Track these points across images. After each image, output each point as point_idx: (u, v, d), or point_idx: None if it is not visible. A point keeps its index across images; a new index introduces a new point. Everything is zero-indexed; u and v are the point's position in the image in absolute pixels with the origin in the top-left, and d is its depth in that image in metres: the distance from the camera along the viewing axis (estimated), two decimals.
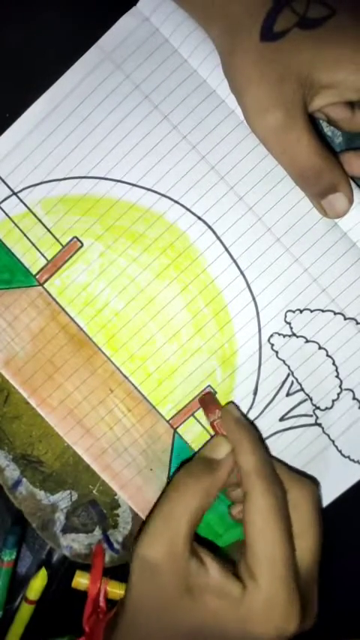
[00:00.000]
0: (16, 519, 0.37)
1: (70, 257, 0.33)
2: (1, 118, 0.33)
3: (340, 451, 0.35)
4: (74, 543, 0.36)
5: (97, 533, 0.36)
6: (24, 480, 0.35)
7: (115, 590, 0.36)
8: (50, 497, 0.35)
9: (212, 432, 0.34)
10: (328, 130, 0.34)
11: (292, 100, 0.28)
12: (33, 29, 0.35)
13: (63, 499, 0.35)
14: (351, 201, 0.31)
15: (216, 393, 0.34)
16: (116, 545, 0.36)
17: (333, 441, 0.35)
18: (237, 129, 0.32)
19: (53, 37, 0.35)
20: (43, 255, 0.33)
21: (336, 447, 0.35)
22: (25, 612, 0.36)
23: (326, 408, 0.34)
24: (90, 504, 0.35)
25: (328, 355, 0.34)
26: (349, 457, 0.35)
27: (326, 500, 0.35)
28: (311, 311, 0.34)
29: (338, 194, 0.30)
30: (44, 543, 0.37)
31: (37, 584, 0.36)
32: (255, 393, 0.34)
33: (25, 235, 0.33)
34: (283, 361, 0.34)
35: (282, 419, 0.34)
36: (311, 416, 0.34)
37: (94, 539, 0.36)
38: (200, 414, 0.34)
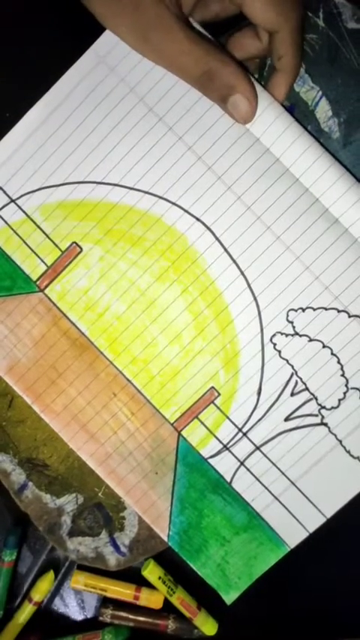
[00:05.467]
0: (16, 520, 0.37)
1: (70, 262, 0.33)
2: (2, 119, 0.33)
3: (348, 452, 0.34)
4: (81, 547, 0.36)
5: (104, 536, 0.36)
6: (30, 483, 0.35)
7: (119, 588, 0.36)
8: (56, 501, 0.35)
9: (216, 434, 0.34)
10: (325, 126, 0.33)
11: (159, 17, 0.28)
12: (32, 30, 0.35)
13: (69, 502, 0.35)
14: (251, 101, 0.30)
15: (219, 394, 0.34)
16: (123, 549, 0.36)
17: (340, 441, 0.34)
18: (233, 128, 0.32)
19: (52, 37, 0.35)
20: (42, 261, 0.33)
21: (344, 447, 0.34)
22: (26, 612, 0.36)
23: (332, 408, 0.34)
24: (96, 507, 0.36)
25: (332, 354, 0.34)
26: (358, 458, 0.34)
27: (337, 505, 0.34)
28: (314, 309, 0.33)
29: (237, 96, 0.30)
30: (45, 543, 0.37)
31: (44, 586, 0.37)
32: (259, 394, 0.34)
33: (24, 242, 0.33)
34: (287, 361, 0.34)
35: (287, 419, 0.34)
36: (317, 415, 0.34)
37: (101, 543, 0.36)
38: (204, 415, 0.34)
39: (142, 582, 0.36)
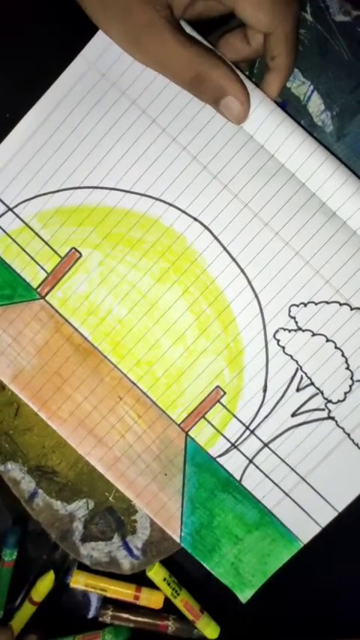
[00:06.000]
0: (16, 520, 0.37)
1: (70, 268, 0.33)
2: (2, 120, 0.33)
3: (356, 444, 0.34)
4: (94, 552, 0.36)
5: (117, 540, 0.36)
6: (40, 491, 0.35)
7: (119, 588, 0.36)
8: (67, 507, 0.35)
9: (224, 433, 0.34)
10: (318, 120, 0.33)
11: (148, 21, 0.28)
12: (32, 29, 0.35)
13: (80, 508, 0.35)
14: (243, 103, 0.30)
15: (225, 393, 0.34)
16: (136, 552, 0.36)
17: (348, 434, 0.34)
18: (226, 126, 0.32)
19: (51, 37, 0.35)
20: (42, 268, 0.33)
21: (352, 440, 0.34)
22: (27, 612, 0.36)
23: (338, 401, 0.34)
24: (107, 511, 0.36)
25: (336, 347, 0.33)
26: None
27: (349, 498, 0.34)
28: (316, 304, 0.33)
29: (229, 98, 0.30)
30: (45, 543, 0.37)
31: (44, 586, 0.36)
32: (265, 391, 0.34)
33: (23, 250, 0.33)
34: (291, 356, 0.34)
35: (294, 414, 0.34)
36: (323, 410, 0.34)
37: (114, 547, 0.36)
38: (211, 415, 0.34)
39: (142, 583, 0.36)
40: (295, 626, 0.38)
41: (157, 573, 0.36)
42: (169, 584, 0.36)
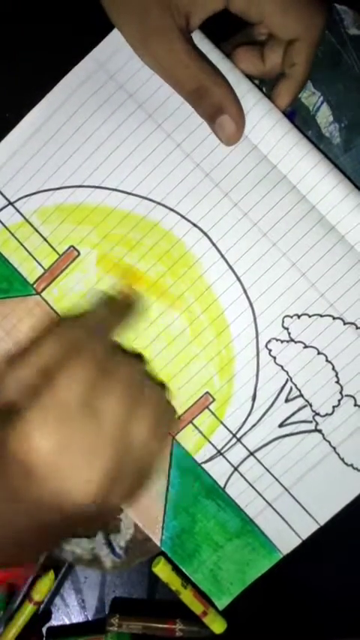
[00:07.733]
0: None
1: (67, 266, 0.34)
2: (2, 119, 0.34)
3: (342, 459, 0.34)
4: (77, 548, 0.36)
5: (100, 537, 0.36)
6: None
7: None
8: None
9: (210, 439, 0.34)
10: (326, 131, 0.33)
11: (163, 26, 0.29)
12: (33, 29, 0.35)
13: None
14: (238, 125, 0.31)
15: (214, 399, 0.34)
16: (118, 550, 0.36)
17: (334, 448, 0.34)
18: None
19: (53, 36, 0.35)
20: (40, 264, 0.34)
21: (337, 454, 0.34)
22: (27, 612, 0.37)
23: (326, 415, 0.34)
24: None
25: (327, 361, 0.33)
26: (352, 465, 0.34)
27: (331, 512, 0.34)
28: (309, 316, 0.33)
29: (225, 117, 0.30)
30: None
31: (45, 586, 0.37)
32: (254, 399, 0.34)
33: (21, 245, 0.33)
34: (282, 367, 0.34)
35: (281, 425, 0.34)
36: (311, 422, 0.34)
37: (97, 545, 0.36)
38: (199, 421, 0.34)
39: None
40: (297, 624, 0.38)
41: (163, 568, 0.36)
42: (177, 574, 0.36)
